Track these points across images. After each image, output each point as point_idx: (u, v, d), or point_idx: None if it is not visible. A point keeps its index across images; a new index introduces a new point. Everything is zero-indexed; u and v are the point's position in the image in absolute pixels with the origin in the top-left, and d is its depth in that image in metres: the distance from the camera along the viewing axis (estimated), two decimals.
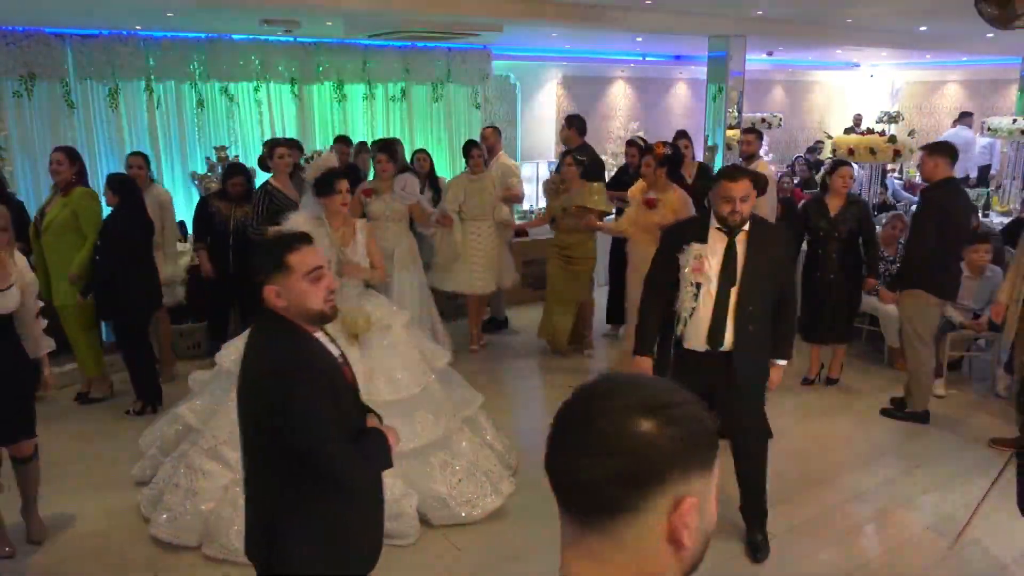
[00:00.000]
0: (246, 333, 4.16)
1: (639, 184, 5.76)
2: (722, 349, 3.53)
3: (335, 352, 2.31)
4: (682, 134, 6.90)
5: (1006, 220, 8.09)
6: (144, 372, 5.37)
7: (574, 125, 6.91)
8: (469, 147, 6.50)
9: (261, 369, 2.14)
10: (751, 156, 6.67)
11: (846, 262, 5.55)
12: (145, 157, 5.93)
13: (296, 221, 4.05)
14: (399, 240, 5.71)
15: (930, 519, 4.00)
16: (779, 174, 9.85)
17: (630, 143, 7.07)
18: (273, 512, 2.22)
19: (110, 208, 5.18)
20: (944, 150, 5.01)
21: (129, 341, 5.33)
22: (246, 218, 5.76)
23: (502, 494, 4.11)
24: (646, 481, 0.90)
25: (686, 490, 0.92)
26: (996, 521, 3.84)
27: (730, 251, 3.48)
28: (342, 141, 7.63)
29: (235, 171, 6.18)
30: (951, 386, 5.75)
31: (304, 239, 2.24)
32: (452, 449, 4.07)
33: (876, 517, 4.06)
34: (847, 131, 11.62)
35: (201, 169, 8.26)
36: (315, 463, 2.11)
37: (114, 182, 5.19)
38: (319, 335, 2.27)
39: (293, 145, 6.20)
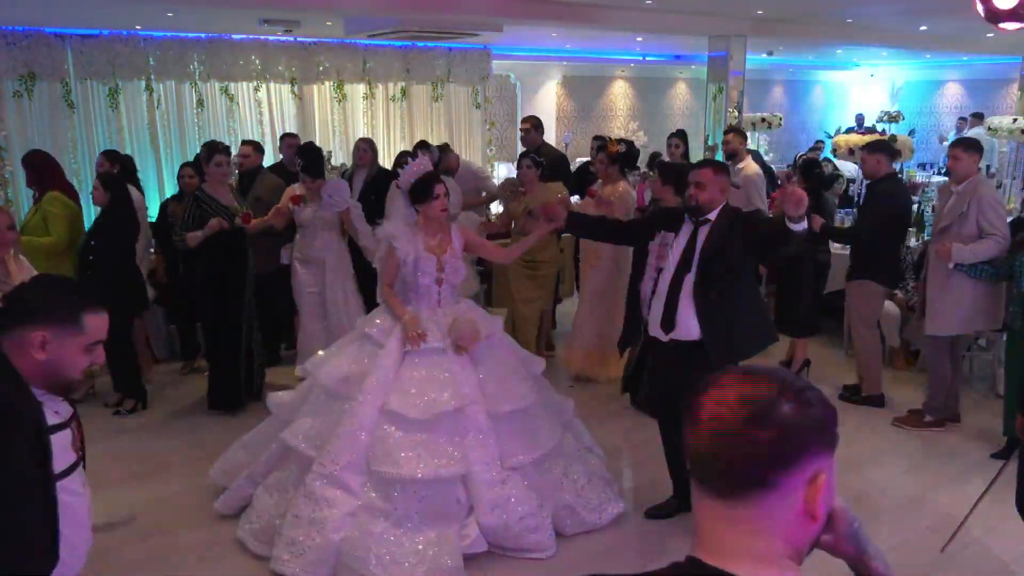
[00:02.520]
0: (335, 346, 4.05)
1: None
2: (693, 339, 3.58)
3: (63, 413, 1.95)
4: (677, 133, 6.86)
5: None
6: (130, 369, 5.34)
7: (539, 127, 6.89)
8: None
9: None
10: (733, 155, 6.59)
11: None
12: (115, 155, 5.89)
13: (390, 229, 3.88)
14: (329, 248, 5.44)
15: (930, 519, 4.00)
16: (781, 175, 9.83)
17: (596, 137, 7.10)
18: None
19: (99, 206, 5.14)
20: (883, 148, 5.32)
21: (117, 335, 5.25)
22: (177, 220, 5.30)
23: (620, 498, 4.03)
24: (788, 458, 0.97)
25: (818, 467, 1.00)
26: (997, 521, 3.84)
27: (691, 239, 3.63)
28: (291, 137, 7.20)
29: (185, 164, 6.00)
30: None
31: (103, 305, 1.88)
32: (567, 455, 3.96)
33: (876, 517, 4.05)
34: (848, 131, 11.63)
35: None
36: None
37: (108, 180, 5.18)
38: (44, 398, 1.81)
39: (229, 151, 5.55)
